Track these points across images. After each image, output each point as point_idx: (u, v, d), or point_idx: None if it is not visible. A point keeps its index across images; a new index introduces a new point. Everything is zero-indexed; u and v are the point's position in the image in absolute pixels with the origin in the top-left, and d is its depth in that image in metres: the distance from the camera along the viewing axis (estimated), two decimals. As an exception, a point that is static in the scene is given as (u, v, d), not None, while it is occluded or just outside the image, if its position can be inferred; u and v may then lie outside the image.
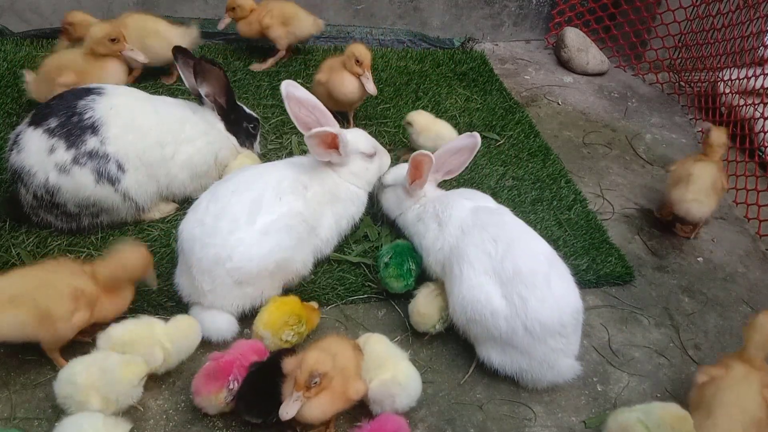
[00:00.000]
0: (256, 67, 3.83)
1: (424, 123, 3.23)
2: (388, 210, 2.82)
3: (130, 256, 2.22)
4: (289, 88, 2.54)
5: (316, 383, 1.94)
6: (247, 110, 3.04)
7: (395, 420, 2.05)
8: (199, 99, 2.85)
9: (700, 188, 3.00)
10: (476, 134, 2.66)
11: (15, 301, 2.00)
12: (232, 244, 2.26)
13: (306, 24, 3.83)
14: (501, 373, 2.34)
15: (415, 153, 2.53)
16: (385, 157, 2.84)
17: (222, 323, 2.32)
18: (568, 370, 2.32)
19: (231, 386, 2.05)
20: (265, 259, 2.31)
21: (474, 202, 2.59)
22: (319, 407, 1.98)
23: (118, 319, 2.19)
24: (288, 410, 1.93)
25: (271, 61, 3.87)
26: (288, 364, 2.02)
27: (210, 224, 2.29)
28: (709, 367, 2.29)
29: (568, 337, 2.28)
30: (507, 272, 2.25)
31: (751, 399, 2.14)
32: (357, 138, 2.70)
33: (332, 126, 2.61)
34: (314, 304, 2.46)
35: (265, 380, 2.05)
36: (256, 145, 3.08)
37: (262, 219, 2.32)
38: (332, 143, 2.53)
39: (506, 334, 2.24)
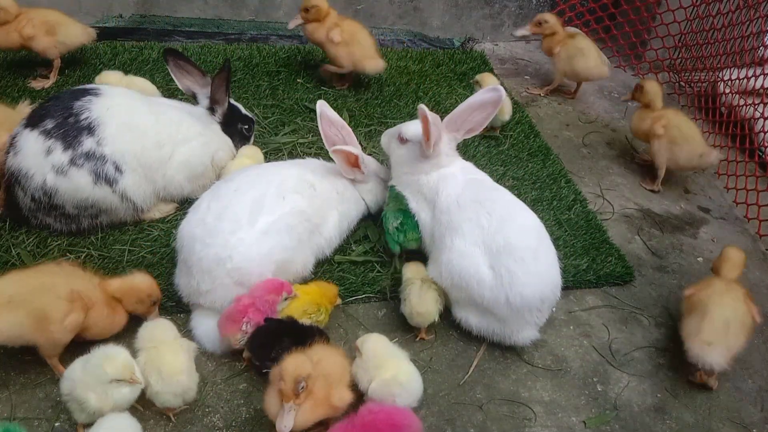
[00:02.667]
0: (37, 84, 3.41)
1: (116, 83, 3.11)
2: (398, 165, 2.72)
3: (142, 279, 2.24)
4: (324, 108, 2.67)
5: (303, 388, 1.91)
6: (243, 110, 3.03)
7: (405, 414, 2.01)
8: (194, 99, 2.86)
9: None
10: (500, 87, 2.60)
11: (12, 303, 1.99)
12: (233, 244, 2.25)
13: (74, 32, 3.42)
14: (475, 333, 2.46)
15: (420, 105, 2.43)
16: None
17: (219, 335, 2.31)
18: (530, 338, 2.45)
19: (244, 328, 2.17)
20: (266, 260, 2.30)
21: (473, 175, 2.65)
22: (300, 414, 1.93)
23: (107, 340, 2.14)
24: (285, 424, 1.89)
25: (52, 78, 3.45)
26: (273, 373, 1.99)
27: (211, 224, 2.29)
28: (694, 285, 2.58)
29: (543, 312, 2.43)
30: (498, 244, 2.34)
31: (738, 303, 2.44)
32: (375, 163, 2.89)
33: (355, 146, 2.71)
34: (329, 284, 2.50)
35: (273, 333, 2.17)
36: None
37: (264, 219, 2.32)
38: (354, 162, 2.65)
39: (488, 302, 2.34)
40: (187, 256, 2.31)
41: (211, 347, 2.30)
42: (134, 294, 2.21)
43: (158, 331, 2.13)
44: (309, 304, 2.33)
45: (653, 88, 3.51)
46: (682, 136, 3.38)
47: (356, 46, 3.60)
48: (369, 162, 2.79)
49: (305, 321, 2.29)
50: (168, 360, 2.04)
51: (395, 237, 2.60)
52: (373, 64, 3.66)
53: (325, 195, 2.56)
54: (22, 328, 2.01)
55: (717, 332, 2.35)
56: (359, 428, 1.93)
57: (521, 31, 4.06)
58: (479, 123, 2.64)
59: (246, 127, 3.01)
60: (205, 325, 2.31)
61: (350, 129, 2.74)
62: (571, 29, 4.14)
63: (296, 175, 2.52)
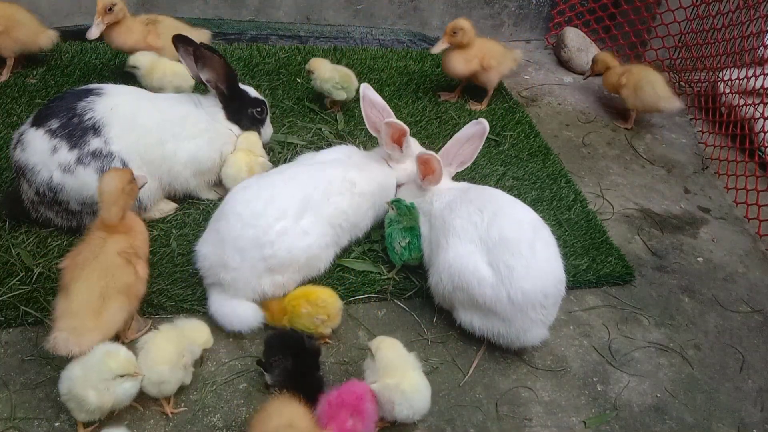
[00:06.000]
0: None
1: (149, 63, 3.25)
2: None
3: (102, 179, 2.19)
4: (366, 90, 2.83)
5: None
6: (253, 94, 3.01)
7: (358, 387, 2.03)
8: (204, 87, 2.86)
9: None
10: (483, 120, 2.73)
11: (107, 294, 2.04)
12: (277, 231, 2.33)
13: None
14: (479, 336, 2.42)
15: (418, 153, 2.64)
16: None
17: (247, 312, 2.35)
18: (539, 338, 2.40)
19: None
20: (301, 254, 2.38)
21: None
22: None
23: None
24: None
25: None
26: None
27: (257, 207, 2.35)
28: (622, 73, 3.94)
29: (549, 308, 2.36)
30: (493, 239, 2.33)
31: (657, 74, 3.90)
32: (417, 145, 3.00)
33: None
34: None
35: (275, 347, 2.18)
36: (265, 129, 3.05)
37: (308, 218, 2.42)
38: (398, 140, 2.75)
39: (490, 301, 2.31)
40: (224, 228, 2.35)
41: (239, 326, 2.34)
42: (113, 198, 2.17)
43: (185, 327, 2.18)
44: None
45: (469, 26, 3.70)
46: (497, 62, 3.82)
47: (19, 30, 3.22)
48: (411, 142, 2.87)
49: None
50: (157, 347, 2.06)
51: (401, 255, 2.63)
52: (45, 38, 3.37)
53: (365, 191, 2.65)
54: (125, 307, 2.09)
55: (665, 91, 3.84)
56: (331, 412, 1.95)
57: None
58: (469, 156, 2.80)
59: (257, 109, 2.98)
60: (227, 306, 2.36)
61: (391, 111, 2.85)
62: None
63: (340, 177, 2.60)
